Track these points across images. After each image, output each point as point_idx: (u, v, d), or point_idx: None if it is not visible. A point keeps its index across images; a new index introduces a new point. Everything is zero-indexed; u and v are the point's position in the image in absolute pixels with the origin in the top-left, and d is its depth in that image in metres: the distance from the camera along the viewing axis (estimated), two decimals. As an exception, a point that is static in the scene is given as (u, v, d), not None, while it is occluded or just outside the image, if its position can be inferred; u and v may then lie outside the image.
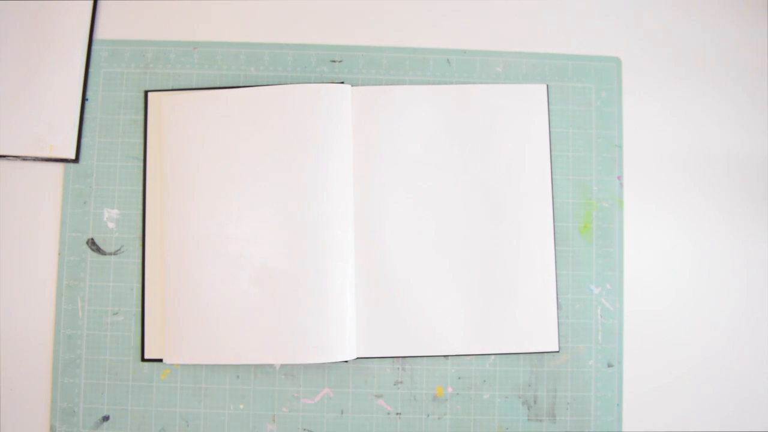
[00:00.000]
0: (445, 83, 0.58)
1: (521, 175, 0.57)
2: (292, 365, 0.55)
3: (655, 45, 0.60)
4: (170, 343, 0.54)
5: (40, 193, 0.57)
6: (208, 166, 0.55)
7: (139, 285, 0.56)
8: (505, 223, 0.56)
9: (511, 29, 0.59)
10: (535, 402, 0.56)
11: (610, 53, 0.59)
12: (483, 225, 0.56)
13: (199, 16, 0.59)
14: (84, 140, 0.57)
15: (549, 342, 0.56)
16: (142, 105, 0.57)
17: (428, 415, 0.55)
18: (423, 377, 0.56)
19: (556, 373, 0.56)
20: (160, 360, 0.55)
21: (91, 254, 0.56)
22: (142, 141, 0.57)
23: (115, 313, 0.56)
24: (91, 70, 0.58)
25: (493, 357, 0.56)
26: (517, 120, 0.57)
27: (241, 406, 0.55)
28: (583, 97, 0.58)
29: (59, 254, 0.56)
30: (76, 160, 0.57)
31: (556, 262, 0.56)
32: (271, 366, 0.55)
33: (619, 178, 0.58)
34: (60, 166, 0.57)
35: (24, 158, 0.56)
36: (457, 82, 0.58)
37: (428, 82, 0.58)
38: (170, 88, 0.58)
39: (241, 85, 0.58)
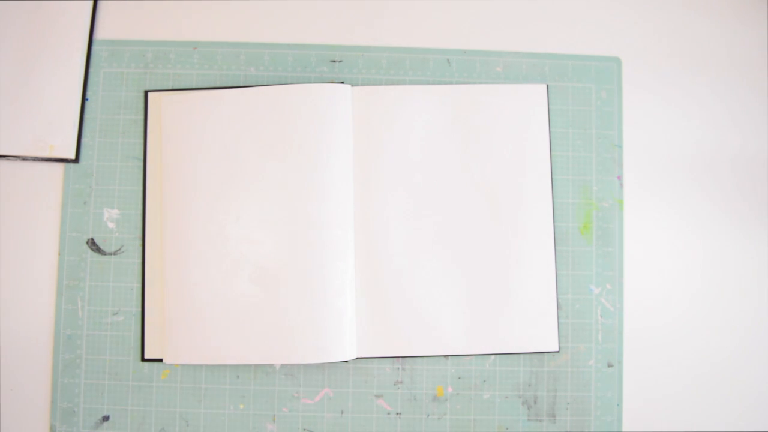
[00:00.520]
0: (445, 83, 0.58)
1: (521, 175, 0.57)
2: (292, 365, 0.55)
3: (655, 45, 0.59)
4: (170, 343, 0.54)
5: (40, 193, 0.57)
6: (208, 166, 0.55)
7: (139, 285, 0.56)
8: (505, 223, 0.56)
9: (511, 29, 0.59)
10: (535, 402, 0.56)
11: (610, 53, 0.59)
12: (483, 225, 0.56)
13: (199, 16, 0.59)
14: (84, 140, 0.57)
15: (549, 342, 0.56)
16: (142, 105, 0.57)
17: (428, 415, 0.55)
18: (423, 377, 0.56)
19: (556, 373, 0.56)
20: (160, 360, 0.55)
21: (91, 254, 0.56)
22: (142, 141, 0.57)
23: (115, 313, 0.56)
24: (91, 70, 0.58)
25: (493, 357, 0.56)
26: (517, 120, 0.57)
27: (241, 406, 0.55)
28: (583, 97, 0.58)
29: (59, 254, 0.56)
30: (76, 160, 0.57)
31: (556, 262, 0.56)
32: (271, 366, 0.55)
33: (619, 178, 0.58)
34: (60, 166, 0.57)
35: (24, 158, 0.56)
36: (457, 82, 0.58)
37: (428, 82, 0.58)
38: (170, 88, 0.58)
39: (241, 85, 0.58)
